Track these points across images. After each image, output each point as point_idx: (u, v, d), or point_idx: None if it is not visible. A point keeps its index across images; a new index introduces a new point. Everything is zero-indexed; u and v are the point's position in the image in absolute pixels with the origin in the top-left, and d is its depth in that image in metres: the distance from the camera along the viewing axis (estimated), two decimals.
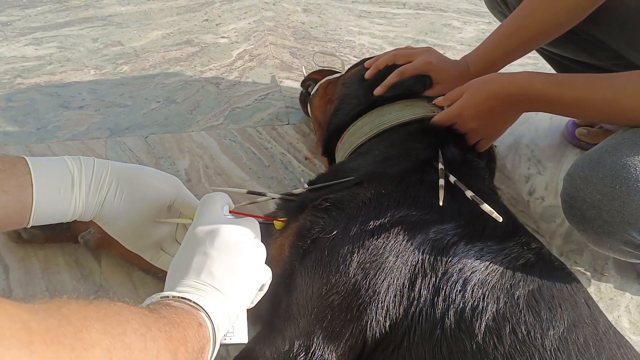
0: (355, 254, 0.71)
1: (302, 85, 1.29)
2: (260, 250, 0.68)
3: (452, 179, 0.81)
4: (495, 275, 0.71)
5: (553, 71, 1.30)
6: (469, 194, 0.77)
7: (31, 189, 0.66)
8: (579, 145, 1.32)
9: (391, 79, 1.02)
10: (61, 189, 0.69)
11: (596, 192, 0.78)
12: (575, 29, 1.04)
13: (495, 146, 1.26)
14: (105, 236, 0.98)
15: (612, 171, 0.76)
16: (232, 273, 0.62)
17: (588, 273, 1.07)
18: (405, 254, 0.71)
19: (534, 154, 1.31)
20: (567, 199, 0.84)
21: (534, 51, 1.15)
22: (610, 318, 0.99)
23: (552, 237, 1.13)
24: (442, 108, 0.96)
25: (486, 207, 0.74)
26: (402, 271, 0.70)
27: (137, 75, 1.42)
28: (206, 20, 1.63)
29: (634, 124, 0.81)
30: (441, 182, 0.80)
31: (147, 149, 1.21)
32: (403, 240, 0.72)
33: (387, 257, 0.71)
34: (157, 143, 1.23)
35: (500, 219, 0.72)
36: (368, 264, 0.70)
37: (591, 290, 1.04)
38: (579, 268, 1.08)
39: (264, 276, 0.68)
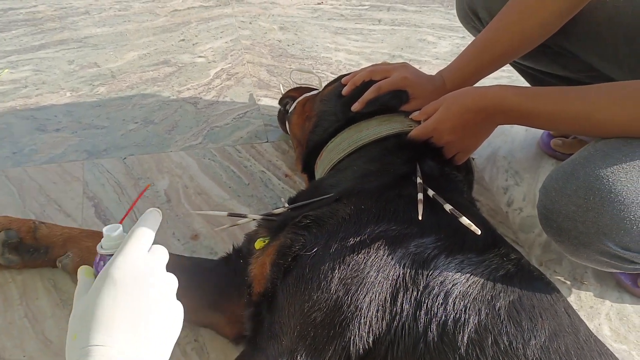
0: (337, 270, 0.71)
1: (280, 103, 1.30)
2: (169, 282, 0.58)
3: (430, 192, 0.82)
4: (476, 287, 0.71)
5: (527, 84, 1.32)
6: (448, 207, 0.78)
7: None
8: (555, 156, 1.34)
9: (368, 94, 1.03)
10: None
11: (571, 203, 0.79)
12: (548, 42, 1.06)
13: (473, 158, 1.28)
14: (85, 259, 0.97)
15: (586, 183, 0.77)
16: (148, 321, 0.53)
17: (568, 282, 1.08)
18: (386, 269, 0.72)
19: (511, 166, 1.33)
20: (543, 211, 0.85)
21: (508, 64, 1.17)
22: (591, 326, 1.01)
23: (531, 247, 1.14)
24: (418, 122, 0.97)
25: (465, 220, 0.74)
26: (384, 286, 0.70)
27: (114, 96, 1.41)
28: (183, 40, 1.63)
29: (606, 136, 0.82)
30: (420, 196, 0.80)
31: (126, 171, 1.21)
32: (384, 255, 0.73)
33: (368, 272, 0.71)
34: (135, 164, 1.22)
35: (479, 232, 0.73)
36: (349, 280, 0.70)
37: (571, 299, 1.05)
38: (558, 277, 1.09)
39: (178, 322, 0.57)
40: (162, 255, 0.60)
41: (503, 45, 1.03)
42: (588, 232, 0.78)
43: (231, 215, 0.91)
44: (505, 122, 0.92)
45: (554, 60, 1.15)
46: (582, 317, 1.01)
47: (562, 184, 0.80)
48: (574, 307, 1.03)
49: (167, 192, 1.17)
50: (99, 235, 0.97)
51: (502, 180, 1.29)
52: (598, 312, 1.04)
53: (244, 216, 0.90)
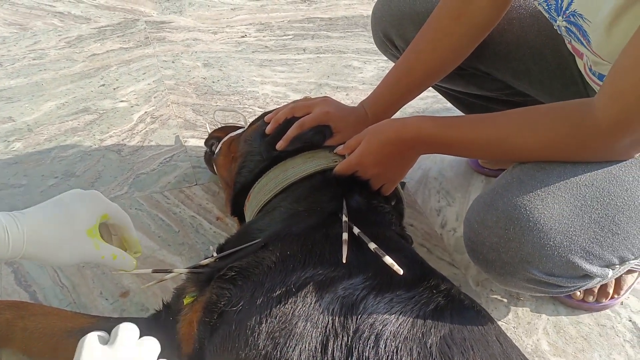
0: (264, 324, 0.69)
1: (205, 144, 1.27)
2: None
3: (356, 230, 0.81)
4: (406, 325, 0.71)
5: (449, 104, 1.35)
6: (372, 246, 0.77)
7: None
8: (484, 172, 1.37)
9: (291, 132, 1.02)
10: None
11: (493, 235, 0.79)
12: (463, 65, 1.08)
13: (404, 183, 1.28)
14: (4, 334, 0.91)
15: (505, 213, 0.78)
16: None
17: (505, 300, 1.09)
18: (314, 317, 0.70)
19: (443, 186, 1.34)
20: (468, 242, 0.85)
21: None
22: (529, 342, 1.02)
23: (466, 269, 1.15)
24: (343, 157, 0.97)
25: (388, 260, 0.74)
26: (313, 335, 0.69)
27: (31, 151, 1.35)
28: (103, 85, 1.59)
29: (521, 160, 0.84)
30: (344, 236, 0.79)
31: None
32: (311, 302, 0.71)
33: (296, 323, 0.69)
34: None
35: (401, 272, 0.72)
36: (277, 333, 0.68)
37: (509, 317, 1.06)
38: (495, 296, 1.10)
39: None
40: (151, 346, 0.61)
41: (419, 72, 1.04)
42: (512, 261, 0.79)
43: (155, 272, 0.87)
44: (426, 151, 0.93)
45: (470, 81, 1.17)
46: (521, 334, 1.04)
47: (482, 216, 0.81)
48: (513, 325, 1.05)
49: None
50: (20, 306, 0.91)
51: (435, 202, 1.30)
52: (535, 327, 1.05)
53: (170, 271, 0.87)
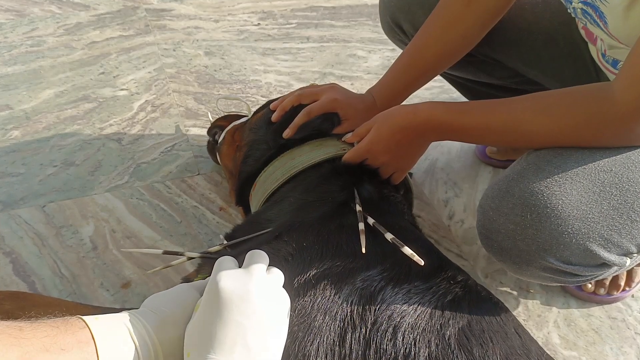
0: None
1: (208, 133, 1.24)
2: (287, 303, 0.62)
3: (370, 221, 0.79)
4: (424, 317, 0.69)
5: (457, 92, 1.32)
6: (389, 236, 0.75)
7: (93, 343, 0.55)
8: (491, 163, 1.34)
9: (299, 119, 0.99)
10: (125, 340, 0.57)
11: (509, 222, 0.77)
12: (473, 52, 1.05)
13: (411, 174, 1.26)
14: None
15: (521, 200, 0.76)
16: (268, 347, 0.56)
17: (514, 292, 1.07)
18: (333, 309, 0.68)
19: (450, 177, 1.32)
20: (482, 230, 0.83)
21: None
22: (540, 335, 1.00)
23: (475, 260, 1.13)
24: (352, 145, 0.94)
25: (407, 251, 0.72)
26: (332, 327, 0.67)
27: (29, 139, 1.32)
28: (102, 73, 1.55)
29: (535, 147, 0.81)
30: (361, 226, 0.77)
31: (46, 220, 1.12)
32: (330, 295, 0.69)
33: (315, 316, 0.67)
34: (56, 211, 1.14)
35: (422, 263, 0.70)
36: (296, 327, 0.66)
37: (519, 309, 1.04)
38: (504, 288, 1.08)
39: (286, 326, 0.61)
40: (278, 276, 0.63)
41: (428, 59, 1.02)
42: (529, 249, 0.77)
43: (166, 253, 0.84)
44: (437, 138, 0.90)
45: (480, 68, 1.15)
46: (531, 327, 1.02)
47: (498, 202, 0.78)
48: (523, 317, 1.03)
49: (92, 239, 1.09)
50: (20, 297, 0.89)
51: (442, 193, 1.28)
52: (546, 320, 1.03)
53: (181, 254, 0.84)
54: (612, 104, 0.72)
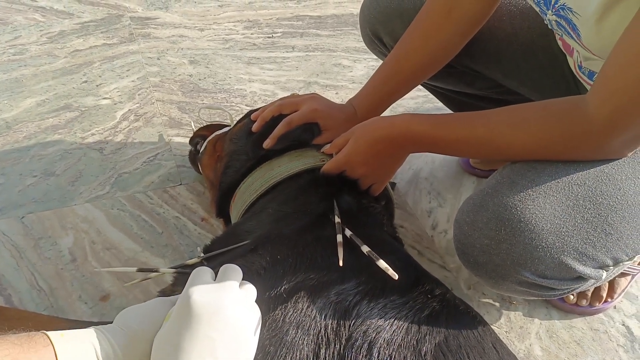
0: None
1: (190, 142, 1.23)
2: (257, 316, 0.62)
3: (348, 233, 0.78)
4: (400, 332, 0.68)
5: (439, 102, 1.32)
6: (365, 249, 0.74)
7: None
8: (475, 173, 1.34)
9: (279, 130, 0.99)
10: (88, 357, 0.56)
11: (484, 236, 0.77)
12: (453, 63, 1.06)
13: (394, 184, 1.25)
14: None
15: (495, 214, 0.75)
16: (238, 357, 0.57)
17: (497, 304, 1.07)
18: (306, 323, 0.67)
19: (434, 187, 1.32)
20: (458, 245, 0.83)
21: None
22: (522, 347, 1.00)
23: (458, 271, 1.12)
24: (331, 156, 0.94)
25: (382, 264, 0.71)
26: (305, 342, 0.66)
27: (9, 149, 1.30)
28: (85, 82, 1.54)
29: (512, 159, 0.81)
30: (339, 238, 0.76)
31: (24, 231, 1.10)
32: (303, 309, 0.68)
33: (287, 330, 0.66)
34: (35, 223, 1.12)
35: (396, 277, 0.70)
36: (267, 341, 0.65)
37: (502, 321, 1.04)
38: (487, 300, 1.07)
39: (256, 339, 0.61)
40: (251, 291, 0.63)
41: (408, 69, 1.01)
42: (504, 264, 0.76)
43: (140, 270, 0.83)
44: (415, 150, 0.90)
45: (461, 79, 1.15)
46: (513, 339, 1.01)
47: (473, 217, 0.78)
48: (505, 329, 1.03)
49: (71, 251, 1.07)
50: None
51: (426, 203, 1.28)
52: (528, 331, 1.03)
53: (156, 270, 0.83)
54: (586, 119, 0.72)
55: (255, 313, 0.61)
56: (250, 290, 0.63)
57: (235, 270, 0.64)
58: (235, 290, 0.60)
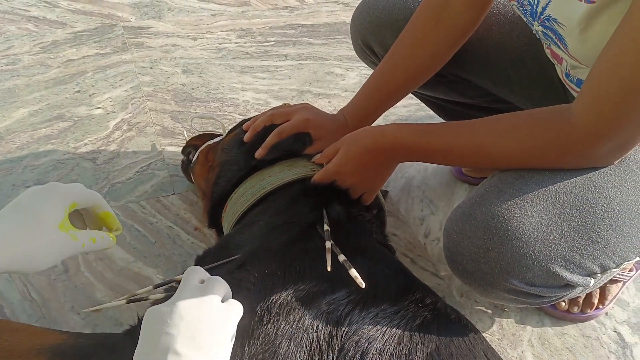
0: (246, 347, 0.66)
1: (182, 152, 1.24)
2: (226, 310, 0.62)
3: (328, 244, 0.79)
4: (392, 341, 0.68)
5: (431, 111, 1.33)
6: (341, 258, 0.75)
7: None
8: (467, 181, 1.35)
9: (270, 140, 0.99)
10: None
11: (472, 245, 0.77)
12: (443, 71, 1.06)
13: (387, 192, 1.26)
14: None
15: (483, 223, 0.76)
16: (201, 346, 0.56)
17: (489, 311, 1.07)
18: (298, 335, 0.67)
19: (426, 195, 1.32)
20: (447, 253, 0.83)
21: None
22: (514, 354, 1.00)
23: (450, 279, 1.13)
24: (322, 165, 0.94)
25: (352, 272, 0.72)
26: (298, 354, 0.66)
27: (1, 159, 1.30)
28: (78, 91, 1.54)
29: (501, 168, 0.82)
30: (327, 244, 0.77)
31: None
32: (294, 321, 0.68)
33: (279, 343, 0.66)
34: None
35: (363, 285, 0.71)
36: (260, 355, 0.65)
37: (494, 328, 1.04)
38: (480, 307, 1.08)
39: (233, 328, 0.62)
40: (239, 309, 0.63)
41: (398, 78, 1.02)
42: (492, 272, 0.77)
43: (131, 301, 0.82)
44: (404, 159, 0.91)
45: (451, 88, 1.16)
46: (505, 346, 1.02)
47: (461, 226, 0.79)
48: (497, 336, 1.04)
49: (63, 262, 1.07)
50: None
51: (418, 211, 1.28)
52: (520, 339, 1.03)
53: (145, 299, 0.82)
54: (573, 127, 0.72)
55: (217, 307, 0.61)
56: (237, 308, 0.63)
57: (223, 284, 0.64)
58: (217, 300, 0.62)
